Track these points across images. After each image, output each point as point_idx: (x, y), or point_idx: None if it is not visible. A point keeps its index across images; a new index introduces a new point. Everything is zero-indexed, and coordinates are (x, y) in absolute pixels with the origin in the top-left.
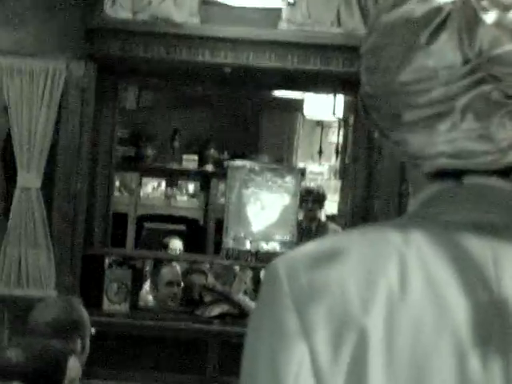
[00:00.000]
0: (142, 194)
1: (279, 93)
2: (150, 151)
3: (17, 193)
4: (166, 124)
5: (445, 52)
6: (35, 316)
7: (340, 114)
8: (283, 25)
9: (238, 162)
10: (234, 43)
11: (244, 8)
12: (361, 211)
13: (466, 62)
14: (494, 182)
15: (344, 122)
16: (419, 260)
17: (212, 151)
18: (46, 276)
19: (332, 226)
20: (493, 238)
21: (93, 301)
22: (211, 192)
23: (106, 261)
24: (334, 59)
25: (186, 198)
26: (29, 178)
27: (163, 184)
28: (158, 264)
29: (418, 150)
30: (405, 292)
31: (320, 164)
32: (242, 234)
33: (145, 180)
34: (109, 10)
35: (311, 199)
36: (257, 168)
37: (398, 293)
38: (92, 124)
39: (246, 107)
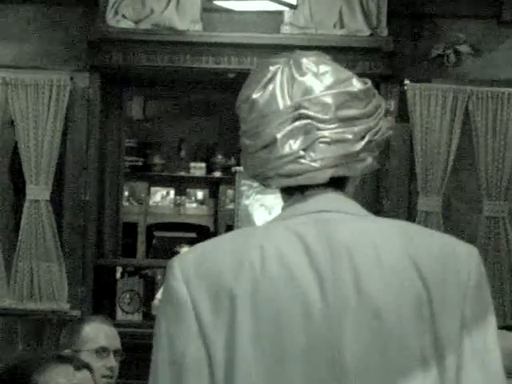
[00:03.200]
0: (151, 203)
1: None
2: (157, 160)
3: (26, 206)
4: (173, 132)
5: (271, 100)
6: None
7: None
8: (286, 28)
9: None
10: (237, 48)
11: (246, 13)
12: (370, 212)
13: (285, 106)
14: (328, 191)
15: None
16: (275, 248)
17: (219, 158)
18: (59, 288)
19: None
20: (327, 229)
21: (106, 311)
22: (220, 198)
23: (118, 271)
24: (338, 61)
25: (195, 206)
26: (37, 191)
27: (172, 192)
28: None
29: (259, 171)
30: (264, 270)
31: None
32: None
33: (153, 189)
34: (111, 20)
35: None
36: None
37: (259, 271)
38: (99, 135)
39: None
